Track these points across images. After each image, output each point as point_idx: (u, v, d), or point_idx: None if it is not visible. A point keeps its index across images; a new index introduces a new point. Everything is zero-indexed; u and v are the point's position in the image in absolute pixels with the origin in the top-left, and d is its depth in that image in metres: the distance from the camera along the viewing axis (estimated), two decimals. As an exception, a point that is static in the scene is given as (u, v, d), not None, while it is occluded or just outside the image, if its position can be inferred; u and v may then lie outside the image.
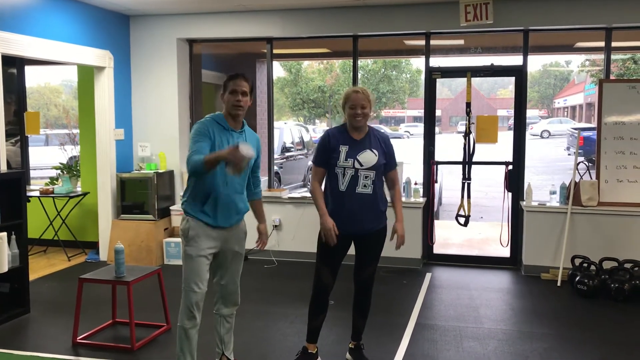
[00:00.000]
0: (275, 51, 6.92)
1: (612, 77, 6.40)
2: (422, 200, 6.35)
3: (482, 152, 6.46)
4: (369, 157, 3.50)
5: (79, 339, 4.18)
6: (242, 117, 3.39)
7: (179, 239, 6.45)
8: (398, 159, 6.37)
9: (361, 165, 3.48)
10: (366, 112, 3.51)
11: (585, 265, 5.43)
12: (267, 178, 6.98)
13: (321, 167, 3.60)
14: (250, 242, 3.60)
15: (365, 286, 3.70)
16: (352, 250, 3.68)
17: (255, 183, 3.63)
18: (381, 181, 3.62)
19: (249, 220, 3.56)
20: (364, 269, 3.66)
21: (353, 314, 3.80)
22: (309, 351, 3.76)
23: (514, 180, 6.28)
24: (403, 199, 6.31)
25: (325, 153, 3.56)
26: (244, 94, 3.31)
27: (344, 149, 3.50)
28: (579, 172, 5.94)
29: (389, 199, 3.73)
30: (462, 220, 6.40)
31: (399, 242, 3.63)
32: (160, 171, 6.64)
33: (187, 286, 3.31)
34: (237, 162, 2.93)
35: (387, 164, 3.62)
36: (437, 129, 6.88)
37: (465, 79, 6.27)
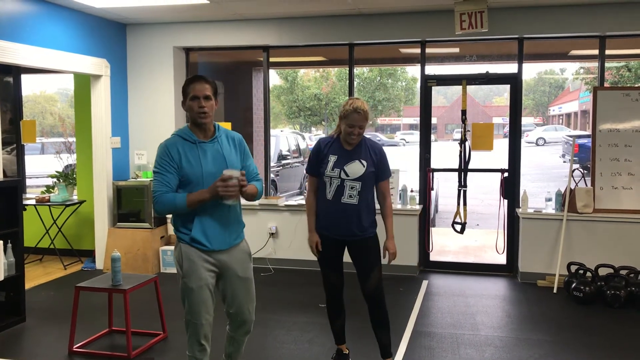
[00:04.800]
0: (271, 59, 6.94)
1: (606, 84, 6.45)
2: (418, 207, 6.36)
3: (477, 159, 6.49)
4: (355, 168, 3.49)
5: (75, 348, 4.16)
6: (210, 123, 3.01)
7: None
8: (394, 166, 6.44)
9: (347, 175, 3.47)
10: (362, 132, 3.52)
11: (581, 272, 5.44)
12: (263, 186, 6.97)
13: (314, 176, 3.64)
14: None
15: (373, 299, 3.60)
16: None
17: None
18: (371, 192, 3.58)
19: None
20: (365, 281, 3.57)
21: (373, 330, 3.69)
22: (344, 352, 3.87)
23: (510, 187, 6.31)
24: (399, 206, 6.34)
25: (317, 162, 3.60)
26: (207, 98, 2.93)
27: (332, 159, 3.52)
28: (574, 179, 5.97)
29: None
30: (458, 227, 6.41)
31: (389, 259, 3.62)
32: (156, 179, 6.62)
33: (193, 319, 2.99)
34: (229, 193, 2.82)
35: (377, 175, 3.58)
36: (432, 137, 6.91)
37: (460, 87, 6.31)
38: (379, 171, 3.58)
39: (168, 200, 2.89)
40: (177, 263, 3.03)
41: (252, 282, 3.20)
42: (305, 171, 3.72)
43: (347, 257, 3.65)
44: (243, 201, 3.14)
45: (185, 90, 2.97)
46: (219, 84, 8.92)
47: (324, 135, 3.65)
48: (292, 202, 6.84)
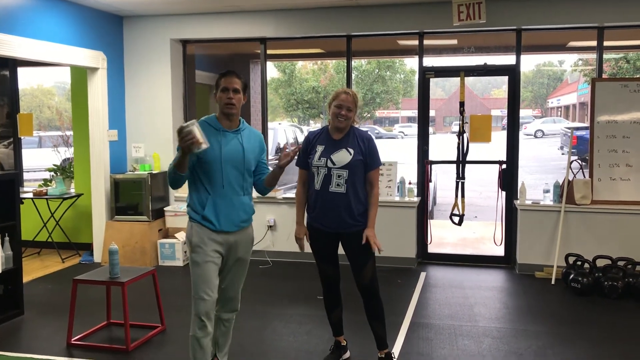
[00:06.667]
0: (268, 52, 6.92)
1: (604, 76, 6.44)
2: (416, 199, 6.36)
3: (475, 151, 6.49)
4: (342, 156, 3.48)
5: (74, 340, 4.17)
6: (237, 115, 3.27)
7: (173, 240, 6.45)
8: (393, 159, 6.46)
9: (334, 164, 3.47)
10: (350, 115, 3.52)
11: (579, 263, 5.46)
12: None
13: (302, 168, 3.67)
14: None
15: (367, 292, 3.60)
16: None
17: (262, 178, 3.44)
18: (360, 181, 3.53)
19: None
20: (359, 274, 3.57)
21: (368, 322, 3.71)
22: (342, 344, 3.89)
23: (508, 179, 6.31)
24: (397, 198, 6.35)
25: (305, 154, 3.63)
26: (236, 91, 3.20)
27: (320, 149, 3.54)
28: (572, 171, 5.97)
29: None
30: (456, 219, 6.42)
31: (373, 246, 3.48)
32: (154, 172, 6.62)
33: (195, 294, 3.16)
34: (187, 143, 2.88)
35: (366, 163, 3.54)
36: (431, 129, 6.90)
37: (458, 79, 6.29)
38: (368, 159, 3.54)
39: (169, 169, 3.13)
40: (188, 239, 3.26)
41: (247, 264, 3.44)
42: (295, 164, 3.68)
43: (342, 250, 3.64)
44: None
45: (217, 83, 3.25)
46: (216, 77, 8.91)
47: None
48: (290, 194, 6.84)
